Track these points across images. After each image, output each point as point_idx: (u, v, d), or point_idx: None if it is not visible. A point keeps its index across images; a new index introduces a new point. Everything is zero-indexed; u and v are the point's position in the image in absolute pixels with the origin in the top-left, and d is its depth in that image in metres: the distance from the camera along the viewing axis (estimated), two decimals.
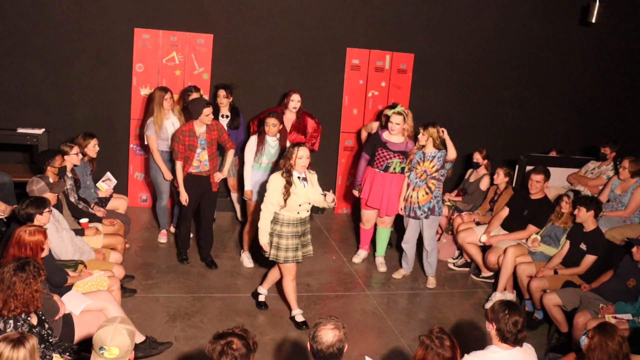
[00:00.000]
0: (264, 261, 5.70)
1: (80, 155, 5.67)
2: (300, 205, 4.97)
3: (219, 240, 6.60)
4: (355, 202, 7.21)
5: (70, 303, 4.22)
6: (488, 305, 5.64)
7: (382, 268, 6.49)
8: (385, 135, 6.10)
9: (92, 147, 5.91)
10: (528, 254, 5.87)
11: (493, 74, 8.15)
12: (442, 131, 5.79)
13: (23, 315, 3.53)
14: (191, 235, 6.40)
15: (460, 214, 6.63)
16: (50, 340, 3.69)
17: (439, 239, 6.75)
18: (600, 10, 7.41)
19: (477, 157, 6.83)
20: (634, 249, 5.07)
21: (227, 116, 6.63)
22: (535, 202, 6.00)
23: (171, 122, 6.31)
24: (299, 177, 4.95)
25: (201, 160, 5.82)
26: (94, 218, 5.54)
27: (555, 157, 7.29)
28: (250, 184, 5.95)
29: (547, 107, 8.46)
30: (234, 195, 7.16)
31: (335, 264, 6.59)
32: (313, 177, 5.07)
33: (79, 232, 5.17)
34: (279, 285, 5.44)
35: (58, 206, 5.05)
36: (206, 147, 5.78)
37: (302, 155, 4.89)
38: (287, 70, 7.48)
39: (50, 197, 4.71)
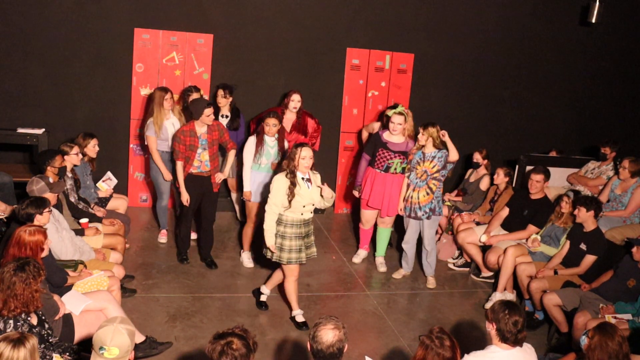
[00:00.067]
0: (264, 261, 5.71)
1: (80, 155, 5.67)
2: (304, 207, 4.96)
3: (219, 240, 6.60)
4: (355, 202, 7.20)
5: (70, 303, 4.22)
6: (488, 305, 5.64)
7: (382, 268, 6.49)
8: (385, 136, 6.10)
9: (92, 147, 5.91)
10: (528, 254, 5.87)
11: (493, 74, 8.14)
12: (443, 134, 5.79)
13: (23, 315, 3.53)
14: (194, 236, 6.41)
15: (460, 214, 6.63)
16: (50, 340, 3.68)
17: (439, 239, 6.75)
18: (600, 10, 7.41)
19: (477, 157, 6.83)
20: (634, 249, 5.06)
21: (226, 116, 6.63)
22: (535, 202, 6.00)
23: (171, 122, 6.31)
24: (302, 178, 4.94)
25: (202, 161, 5.81)
26: (94, 218, 5.54)
27: (555, 157, 7.29)
28: (250, 185, 5.95)
29: (547, 107, 8.46)
30: (234, 195, 7.15)
31: (335, 264, 6.58)
32: (316, 177, 5.06)
33: (79, 232, 5.17)
34: (280, 285, 5.44)
35: (58, 206, 5.05)
36: (207, 147, 5.78)
37: (305, 156, 4.88)
38: (287, 70, 7.48)
39: (50, 197, 4.71)
